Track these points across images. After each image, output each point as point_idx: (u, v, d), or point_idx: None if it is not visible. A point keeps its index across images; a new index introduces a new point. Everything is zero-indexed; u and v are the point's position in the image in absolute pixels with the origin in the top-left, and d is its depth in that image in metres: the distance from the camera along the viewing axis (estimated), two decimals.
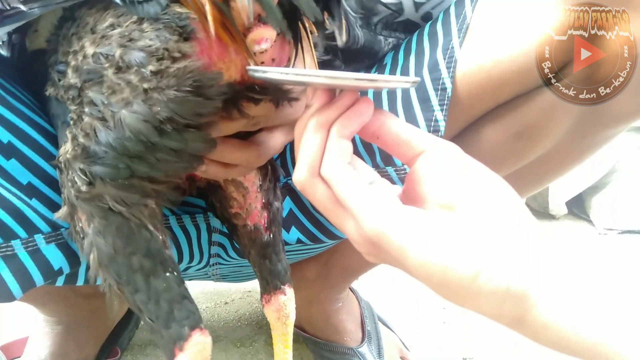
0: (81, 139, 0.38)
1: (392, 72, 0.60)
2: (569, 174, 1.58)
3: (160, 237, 0.42)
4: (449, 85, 0.53)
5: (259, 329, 0.90)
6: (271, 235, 0.52)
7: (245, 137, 0.45)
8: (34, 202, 0.47)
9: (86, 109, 0.38)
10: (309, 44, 0.40)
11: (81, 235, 0.42)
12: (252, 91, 0.39)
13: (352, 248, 0.74)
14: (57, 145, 0.47)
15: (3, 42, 0.52)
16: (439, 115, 0.54)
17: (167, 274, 0.42)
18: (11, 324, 0.89)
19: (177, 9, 0.36)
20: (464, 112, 0.55)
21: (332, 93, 0.36)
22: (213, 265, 0.68)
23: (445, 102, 0.53)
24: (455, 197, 0.33)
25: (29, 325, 0.86)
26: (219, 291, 1.04)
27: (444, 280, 0.30)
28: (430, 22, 0.60)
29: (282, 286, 0.53)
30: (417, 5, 0.62)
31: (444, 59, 0.54)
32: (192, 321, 0.41)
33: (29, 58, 0.48)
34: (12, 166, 0.46)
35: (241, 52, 0.37)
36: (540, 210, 1.65)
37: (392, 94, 0.58)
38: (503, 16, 0.52)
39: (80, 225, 0.42)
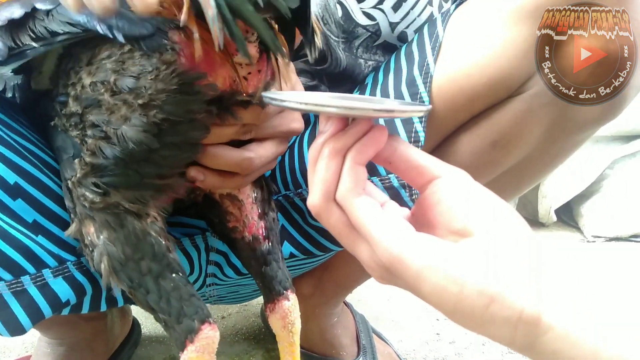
0: (88, 159, 0.42)
1: (373, 90, 0.63)
2: (556, 181, 1.60)
3: (164, 243, 0.46)
4: (426, 98, 0.56)
5: (256, 343, 0.92)
6: (270, 244, 0.54)
7: (238, 147, 0.48)
8: (40, 239, 0.49)
9: (89, 132, 0.42)
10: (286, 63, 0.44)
11: (90, 249, 0.46)
12: (240, 96, 0.43)
13: (345, 263, 0.77)
14: (56, 183, 0.50)
15: (17, 84, 0.54)
16: (418, 127, 0.56)
17: (174, 275, 0.46)
18: (13, 344, 0.90)
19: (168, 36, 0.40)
20: (442, 123, 0.57)
21: (346, 120, 0.37)
22: (210, 285, 0.70)
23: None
24: (466, 224, 0.33)
25: (31, 344, 0.88)
26: (215, 306, 1.05)
27: (458, 307, 0.31)
28: (406, 44, 0.64)
29: (284, 292, 0.54)
30: (393, 25, 0.65)
31: (420, 75, 0.57)
32: (201, 316, 0.45)
33: (33, 98, 0.50)
34: (19, 206, 0.48)
35: (227, 67, 0.41)
36: (530, 218, 1.68)
37: None
38: (471, 33, 0.55)
39: (89, 238, 0.45)
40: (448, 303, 0.32)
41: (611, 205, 1.54)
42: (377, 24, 0.64)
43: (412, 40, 0.62)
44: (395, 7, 0.64)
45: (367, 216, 0.34)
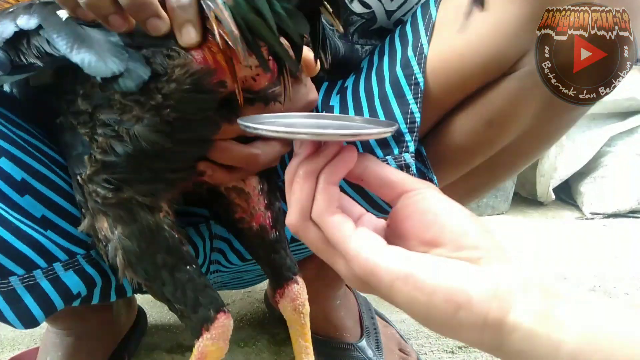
0: (99, 156, 0.42)
1: (368, 74, 0.63)
2: (554, 160, 1.60)
3: (177, 236, 0.47)
4: (421, 79, 0.56)
5: (261, 329, 0.93)
6: (277, 233, 0.56)
7: (245, 141, 0.48)
8: (49, 233, 0.50)
9: (99, 130, 0.42)
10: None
11: (104, 243, 0.47)
12: (246, 93, 0.43)
13: None
14: (62, 179, 0.50)
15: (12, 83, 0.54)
16: (414, 108, 0.57)
17: (188, 267, 0.47)
18: (21, 334, 0.91)
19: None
20: (436, 104, 0.58)
21: (318, 142, 0.39)
22: (214, 272, 0.71)
23: (419, 95, 0.56)
24: (435, 235, 0.35)
25: (39, 336, 0.89)
26: (219, 293, 1.06)
27: (429, 315, 0.33)
28: (399, 26, 0.64)
29: (293, 276, 0.56)
30: (389, 13, 0.65)
31: (415, 56, 0.57)
32: (216, 305, 0.47)
33: (32, 92, 0.51)
34: (27, 202, 0.49)
35: (237, 71, 0.41)
36: (529, 197, 1.69)
37: (369, 92, 0.61)
38: (462, 14, 0.55)
39: (103, 233, 0.46)
40: (420, 312, 0.33)
41: (609, 182, 1.55)
42: (373, 11, 0.64)
43: (406, 22, 0.62)
44: None
45: (340, 233, 0.36)
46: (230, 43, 0.37)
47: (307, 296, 0.56)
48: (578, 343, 0.30)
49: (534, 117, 0.57)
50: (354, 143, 0.40)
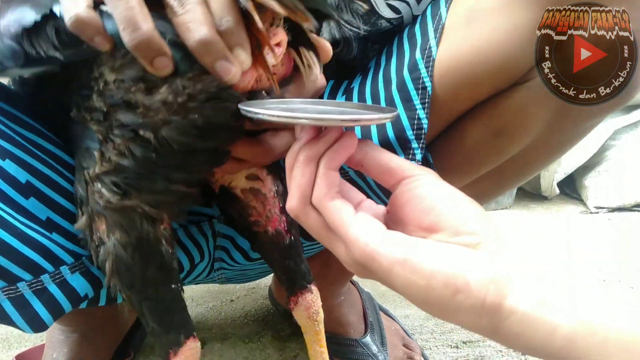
0: (114, 157, 0.40)
1: (375, 74, 0.62)
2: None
3: (171, 251, 0.46)
4: (428, 83, 0.55)
5: (265, 325, 0.94)
6: (292, 238, 0.55)
7: (253, 134, 0.47)
8: (55, 236, 0.49)
9: (116, 131, 0.39)
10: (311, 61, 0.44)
11: (96, 244, 0.44)
12: (260, 95, 0.43)
13: None
14: (66, 178, 0.50)
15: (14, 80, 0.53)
16: (421, 113, 0.56)
17: (173, 286, 0.46)
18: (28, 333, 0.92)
19: None
20: (444, 110, 0.57)
21: (319, 127, 0.39)
22: (218, 270, 0.71)
23: (427, 100, 0.55)
24: (433, 220, 0.36)
25: (45, 333, 0.90)
26: (224, 289, 1.07)
27: (427, 299, 0.33)
28: (408, 26, 0.62)
29: (307, 285, 0.55)
30: (415, 18, 0.63)
31: (423, 58, 0.56)
32: (187, 330, 0.47)
33: (33, 85, 0.50)
34: (32, 204, 0.48)
35: (258, 66, 0.40)
36: (533, 192, 1.69)
37: (375, 94, 0.60)
38: (474, 18, 0.54)
39: (98, 235, 0.44)
40: (418, 296, 0.34)
41: (614, 175, 1.55)
42: (402, 17, 0.62)
43: (415, 22, 0.61)
44: None
45: (340, 218, 0.37)
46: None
47: (321, 304, 0.56)
48: (573, 327, 0.31)
49: (544, 128, 0.56)
50: (354, 130, 0.40)
